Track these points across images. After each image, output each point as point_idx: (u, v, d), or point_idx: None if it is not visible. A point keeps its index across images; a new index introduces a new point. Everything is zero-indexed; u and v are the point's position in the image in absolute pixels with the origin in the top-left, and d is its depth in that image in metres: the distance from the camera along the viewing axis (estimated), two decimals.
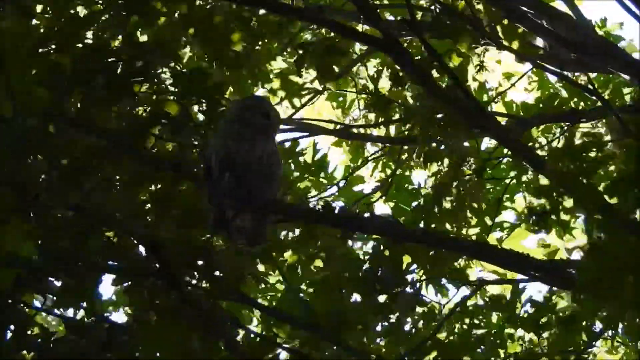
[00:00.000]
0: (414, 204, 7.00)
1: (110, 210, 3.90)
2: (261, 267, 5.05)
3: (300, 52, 5.39)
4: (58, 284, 4.22)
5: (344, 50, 5.57)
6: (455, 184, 5.79)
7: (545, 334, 5.66)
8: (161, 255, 3.63)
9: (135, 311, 4.22)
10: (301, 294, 5.44)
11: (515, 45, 5.69)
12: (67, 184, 3.87)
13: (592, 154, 5.90)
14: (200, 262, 4.29)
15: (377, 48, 5.34)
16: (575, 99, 6.28)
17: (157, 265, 3.70)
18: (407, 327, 5.80)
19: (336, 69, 6.43)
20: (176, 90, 4.29)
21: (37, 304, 4.38)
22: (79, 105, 4.14)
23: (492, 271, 6.50)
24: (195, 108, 4.37)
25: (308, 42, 5.40)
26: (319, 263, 5.78)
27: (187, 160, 4.24)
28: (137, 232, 3.92)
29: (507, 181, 6.25)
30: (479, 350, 5.69)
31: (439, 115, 5.58)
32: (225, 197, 3.68)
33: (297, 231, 5.85)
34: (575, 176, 5.22)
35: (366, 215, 5.24)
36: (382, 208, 7.20)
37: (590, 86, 5.07)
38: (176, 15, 4.89)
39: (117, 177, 4.33)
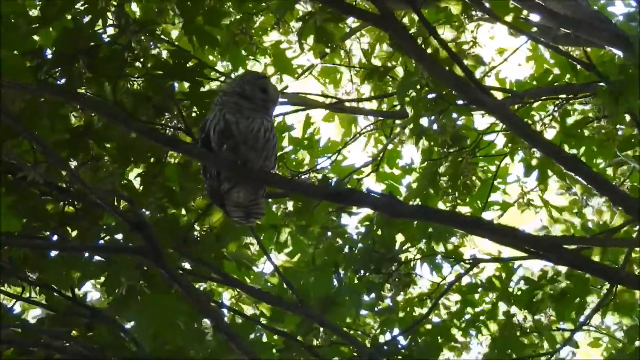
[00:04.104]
0: (405, 182, 6.97)
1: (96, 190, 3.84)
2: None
3: (300, 24, 5.30)
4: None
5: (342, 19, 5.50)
6: (446, 164, 5.73)
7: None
8: (146, 235, 3.56)
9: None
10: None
11: (509, 19, 5.63)
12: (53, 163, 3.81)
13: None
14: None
15: (374, 24, 5.24)
16: (568, 75, 6.20)
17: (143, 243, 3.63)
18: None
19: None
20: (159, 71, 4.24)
21: None
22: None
23: (487, 253, 6.49)
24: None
25: (307, 13, 5.27)
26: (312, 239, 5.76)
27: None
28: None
29: (498, 162, 6.17)
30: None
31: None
32: (222, 169, 3.63)
33: (289, 206, 5.83)
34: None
35: (364, 189, 5.21)
36: (373, 184, 7.13)
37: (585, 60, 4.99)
38: None
39: (105, 156, 4.31)
